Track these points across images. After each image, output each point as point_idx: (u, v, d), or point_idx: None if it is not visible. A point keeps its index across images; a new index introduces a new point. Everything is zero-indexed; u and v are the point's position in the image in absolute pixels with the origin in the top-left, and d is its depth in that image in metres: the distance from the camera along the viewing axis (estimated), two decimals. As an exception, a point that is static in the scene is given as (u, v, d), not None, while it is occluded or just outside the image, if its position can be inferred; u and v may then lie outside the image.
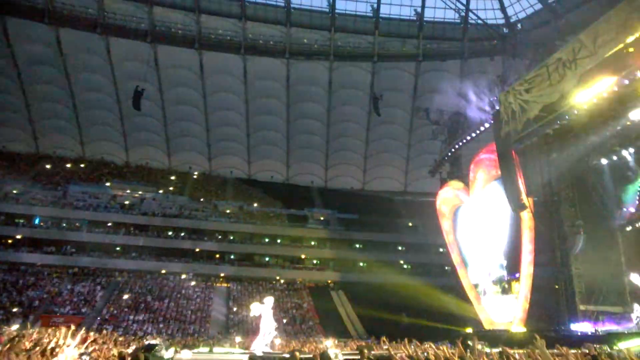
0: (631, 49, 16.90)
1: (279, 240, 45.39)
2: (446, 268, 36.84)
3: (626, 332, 18.80)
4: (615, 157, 22.66)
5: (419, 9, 39.29)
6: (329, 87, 43.51)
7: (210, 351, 19.60)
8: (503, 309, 25.43)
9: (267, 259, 44.63)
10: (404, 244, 46.96)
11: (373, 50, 40.69)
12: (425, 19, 39.64)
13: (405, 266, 45.85)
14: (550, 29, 32.86)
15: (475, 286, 28.03)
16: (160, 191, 45.77)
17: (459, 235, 29.78)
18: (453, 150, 31.19)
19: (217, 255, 43.22)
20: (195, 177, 48.98)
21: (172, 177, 47.94)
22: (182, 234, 43.09)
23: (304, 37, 41.40)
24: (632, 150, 21.97)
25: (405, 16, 39.97)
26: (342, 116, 45.83)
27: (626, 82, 17.81)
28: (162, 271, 39.88)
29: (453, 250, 30.02)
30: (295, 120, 46.35)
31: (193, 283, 39.58)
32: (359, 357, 11.23)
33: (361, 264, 45.57)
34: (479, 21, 38.87)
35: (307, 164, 48.82)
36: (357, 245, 46.10)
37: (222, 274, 41.47)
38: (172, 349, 15.58)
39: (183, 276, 40.14)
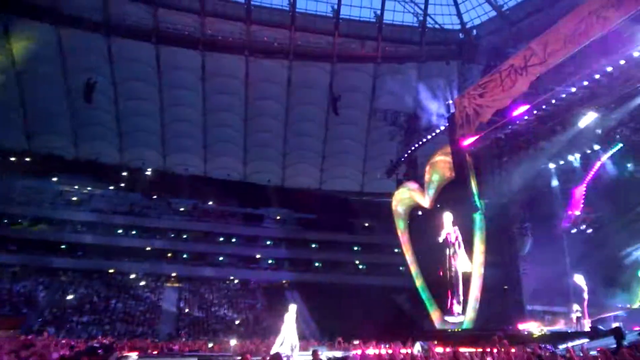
0: (578, 58, 17.54)
1: (233, 240, 44.69)
2: (400, 268, 37.22)
3: (569, 331, 19.45)
4: (562, 162, 23.53)
5: (379, 12, 39.58)
6: (288, 86, 43.18)
7: None
8: (454, 309, 25.87)
9: (220, 258, 43.82)
10: (360, 244, 47.27)
11: (333, 50, 40.67)
12: (384, 21, 39.99)
13: (360, 266, 46.13)
14: (504, 36, 33.86)
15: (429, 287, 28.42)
16: (111, 187, 44.09)
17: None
18: (409, 151, 31.54)
19: (169, 255, 42.06)
20: (148, 173, 47.46)
21: (124, 174, 46.26)
22: (133, 232, 41.67)
23: (263, 35, 40.92)
24: (578, 155, 22.88)
25: (365, 18, 40.21)
26: (301, 115, 45.60)
27: (573, 89, 18.48)
28: (109, 270, 38.39)
29: (407, 251, 30.36)
30: (253, 118, 45.72)
31: (143, 283, 38.34)
32: (312, 357, 11.06)
33: (317, 264, 45.53)
34: (437, 26, 39.60)
35: (265, 162, 48.25)
36: (313, 245, 46.04)
37: (173, 274, 40.39)
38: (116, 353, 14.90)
39: (132, 276, 38.79)
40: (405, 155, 32.23)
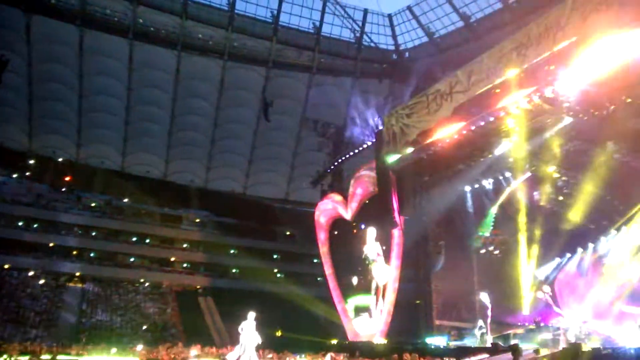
0: (498, 90, 18.68)
1: (147, 240, 42.65)
2: (318, 279, 37.41)
3: (473, 346, 20.41)
4: (477, 185, 24.89)
5: (318, 23, 39.98)
6: (221, 87, 42.20)
7: None
8: (368, 322, 26.37)
9: (132, 259, 41.63)
10: (280, 252, 46.93)
11: (269, 56, 40.41)
12: (322, 33, 40.42)
13: (279, 275, 45.80)
14: (434, 61, 35.39)
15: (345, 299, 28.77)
16: (15, 175, 40.51)
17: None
18: (336, 163, 31.96)
19: (75, 252, 39.28)
20: (59, 163, 44.13)
21: (32, 162, 42.69)
22: (35, 226, 38.52)
23: (199, 32, 39.83)
24: (491, 180, 24.30)
25: (304, 28, 40.42)
26: (231, 117, 44.69)
27: (491, 119, 19.63)
28: (5, 266, 35.15)
29: (326, 262, 30.60)
30: (180, 115, 44.14)
31: (42, 281, 35.42)
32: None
33: (234, 271, 44.61)
34: (372, 44, 40.68)
35: (188, 162, 46.67)
36: (232, 251, 45.06)
37: (77, 273, 37.73)
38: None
39: (30, 273, 35.73)
40: (332, 166, 32.64)
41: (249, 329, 17.14)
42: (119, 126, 43.64)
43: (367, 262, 26.72)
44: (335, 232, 31.07)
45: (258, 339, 17.19)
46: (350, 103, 35.77)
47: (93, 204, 42.36)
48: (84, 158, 44.52)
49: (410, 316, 25.47)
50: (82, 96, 41.25)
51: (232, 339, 32.21)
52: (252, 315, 17.53)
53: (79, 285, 37.16)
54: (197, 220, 45.93)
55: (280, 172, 48.52)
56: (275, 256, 46.76)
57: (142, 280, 40.10)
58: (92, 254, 40.03)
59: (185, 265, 43.54)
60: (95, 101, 42.08)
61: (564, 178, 22.31)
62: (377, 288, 26.49)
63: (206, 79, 42.12)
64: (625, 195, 21.28)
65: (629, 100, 16.38)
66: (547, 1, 24.45)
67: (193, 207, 46.14)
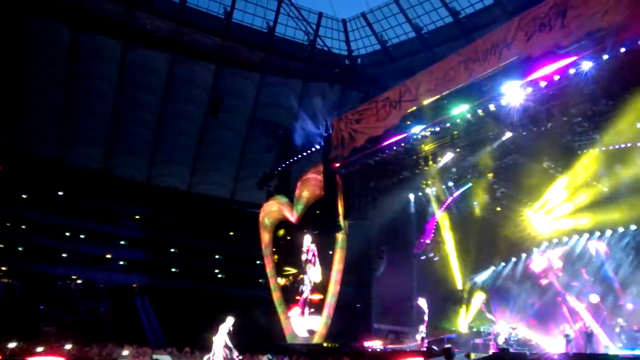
0: (445, 101, 19.28)
1: (82, 236, 40.70)
2: (260, 280, 37.05)
3: (407, 349, 20.85)
4: (420, 193, 25.54)
5: (272, 23, 39.71)
6: (168, 81, 40.95)
7: None
8: (307, 325, 26.40)
9: (64, 255, 39.57)
10: (223, 252, 46.17)
11: (220, 52, 39.64)
12: (276, 34, 40.18)
13: (220, 275, 45.01)
14: (385, 69, 36.11)
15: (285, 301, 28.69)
16: None
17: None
18: (283, 165, 31.79)
19: (1, 246, 36.90)
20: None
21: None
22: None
23: (147, 22, 38.44)
24: (434, 189, 25.01)
25: (257, 26, 40.01)
26: (178, 113, 43.42)
27: (437, 129, 20.21)
28: None
29: (269, 264, 30.41)
30: (124, 108, 42.38)
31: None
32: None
33: (174, 270, 43.41)
34: (325, 48, 40.88)
35: (131, 157, 44.87)
36: (172, 250, 43.84)
37: (3, 268, 35.44)
38: None
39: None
40: (279, 168, 32.43)
41: (222, 334, 17.12)
42: (57, 114, 41.38)
43: (305, 264, 26.91)
44: (279, 234, 30.92)
45: (228, 344, 17.13)
46: (300, 105, 35.73)
47: (24, 196, 39.95)
48: (18, 146, 41.89)
49: (350, 319, 25.66)
50: (19, 83, 38.83)
51: (168, 340, 31.37)
52: (230, 320, 17.51)
53: (5, 280, 34.93)
54: (137, 217, 44.35)
55: (227, 172, 47.69)
56: (217, 256, 45.94)
57: (74, 277, 38.20)
58: (19, 248, 37.73)
59: (121, 263, 41.89)
60: (35, 91, 39.71)
61: (502, 190, 23.25)
62: (308, 288, 26.75)
63: (153, 72, 40.71)
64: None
65: (564, 118, 17.35)
66: (495, 19, 25.61)
67: (133, 204, 44.47)
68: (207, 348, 22.29)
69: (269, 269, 30.27)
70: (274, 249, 30.73)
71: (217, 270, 45.19)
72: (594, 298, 20.61)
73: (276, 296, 29.20)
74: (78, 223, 40.69)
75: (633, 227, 20.52)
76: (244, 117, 43.53)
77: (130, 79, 40.55)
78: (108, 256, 41.40)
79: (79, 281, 38.09)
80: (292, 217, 28.80)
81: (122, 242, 42.63)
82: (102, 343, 25.16)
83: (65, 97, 40.49)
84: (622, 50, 13.84)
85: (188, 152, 46.02)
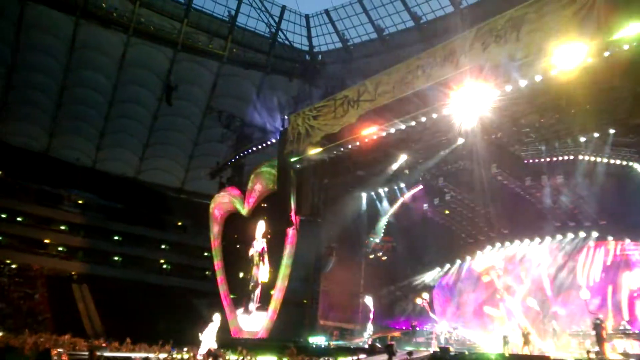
0: (402, 103, 19.53)
1: (19, 218, 38.57)
2: (207, 273, 36.46)
3: (351, 347, 21.09)
4: (373, 193, 25.86)
5: (233, 12, 39.03)
6: (121, 62, 39.40)
7: None
8: (253, 320, 26.25)
9: (-1, 238, 37.43)
10: (170, 242, 45.06)
11: (178, 37, 38.51)
12: (237, 23, 39.53)
13: (165, 266, 43.92)
14: (345, 68, 36.29)
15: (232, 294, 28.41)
16: None
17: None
18: (237, 157, 31.38)
19: None
20: None
21: None
22: None
23: (102, 1, 36.83)
24: (386, 189, 25.38)
25: (218, 14, 39.23)
26: (129, 96, 41.89)
27: (392, 130, 20.49)
28: None
29: (217, 256, 29.98)
30: (72, 87, 40.49)
31: None
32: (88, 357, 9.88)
33: (116, 258, 41.93)
34: (286, 42, 40.59)
35: (77, 138, 42.95)
36: (116, 237, 42.32)
37: None
38: None
39: None
40: (233, 160, 31.98)
41: (210, 331, 17.74)
42: (-2, 89, 38.95)
43: (254, 258, 26.79)
44: (229, 227, 30.52)
45: (213, 343, 17.67)
46: (258, 98, 35.32)
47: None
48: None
49: (296, 315, 25.70)
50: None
51: (108, 330, 30.27)
52: (217, 317, 18.38)
53: None
54: (80, 201, 42.50)
55: (178, 160, 46.54)
56: (163, 246, 44.78)
57: (8, 261, 36.15)
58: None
59: (60, 248, 40.03)
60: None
61: (452, 193, 23.92)
62: (255, 285, 26.67)
63: (106, 52, 39.07)
64: (505, 215, 23.38)
65: (514, 128, 18.02)
66: (455, 26, 26.25)
67: (77, 187, 42.56)
68: (149, 340, 21.77)
69: (217, 262, 29.81)
70: (223, 242, 30.28)
71: (162, 261, 44.01)
72: (531, 302, 21.60)
73: (223, 290, 28.82)
74: (16, 204, 38.46)
75: (571, 236, 21.66)
76: (199, 106, 42.58)
77: (81, 57, 38.72)
78: (46, 241, 39.41)
79: (13, 266, 36.03)
80: (244, 210, 28.48)
81: (62, 227, 40.70)
82: (35, 332, 23.94)
83: (7, 71, 38.22)
84: (570, 68, 14.54)
85: (138, 138, 44.53)
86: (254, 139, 30.41)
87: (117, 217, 42.49)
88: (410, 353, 15.69)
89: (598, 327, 14.46)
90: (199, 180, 43.04)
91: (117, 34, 37.98)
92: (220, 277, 29.38)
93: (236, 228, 29.87)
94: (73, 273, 38.78)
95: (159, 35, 38.38)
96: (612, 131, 18.05)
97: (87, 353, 15.04)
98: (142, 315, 31.45)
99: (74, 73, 39.47)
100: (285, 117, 25.55)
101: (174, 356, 17.75)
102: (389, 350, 16.13)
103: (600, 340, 14.34)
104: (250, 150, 30.32)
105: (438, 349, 17.16)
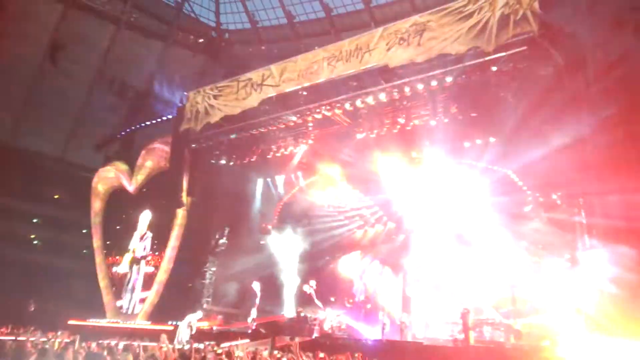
0: (305, 93, 19.76)
1: None
2: (84, 251, 33.90)
3: (236, 331, 20.95)
4: (269, 179, 25.80)
5: (136, -26, 36.35)
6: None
7: None
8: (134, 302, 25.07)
9: None
10: (43, 216, 41.09)
11: (70, -7, 34.94)
12: (139, -14, 36.85)
13: (36, 242, 40.12)
14: (252, 50, 35.57)
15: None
16: None
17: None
18: (128, 130, 29.53)
19: None
20: None
21: None
22: None
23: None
24: (283, 176, 25.46)
25: (119, -25, 36.23)
26: (9, 51, 37.24)
27: (293, 118, 20.65)
28: None
29: (96, 233, 28.13)
30: None
31: None
32: None
33: (-23, 232, 37.41)
34: (192, 14, 38.74)
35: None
36: (-22, 208, 37.70)
37: None
38: None
39: None
40: (123, 132, 30.04)
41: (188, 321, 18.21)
42: None
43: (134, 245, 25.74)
44: (112, 204, 28.73)
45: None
46: (157, 69, 33.45)
47: None
48: None
49: (181, 298, 24.93)
50: None
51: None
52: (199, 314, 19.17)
53: None
54: None
55: (61, 127, 42.29)
56: (35, 220, 40.74)
57: None
58: None
59: None
60: None
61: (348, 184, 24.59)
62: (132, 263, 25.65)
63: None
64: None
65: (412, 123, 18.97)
66: (363, 24, 26.97)
67: None
68: (19, 323, 19.77)
69: (96, 240, 27.96)
70: (103, 220, 28.41)
71: (33, 236, 40.07)
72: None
73: (100, 269, 27.12)
74: None
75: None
76: (89, 70, 38.90)
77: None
78: None
79: None
80: (130, 186, 26.94)
81: None
82: None
83: None
84: (463, 77, 15.73)
85: (15, 98, 39.78)
86: (149, 113, 28.76)
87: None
88: (292, 338, 15.94)
89: (465, 316, 15.82)
90: (82, 151, 39.57)
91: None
92: (98, 257, 27.66)
93: (120, 206, 28.19)
94: None
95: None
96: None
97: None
98: (9, 296, 28.51)
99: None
100: (184, 93, 24.48)
101: (41, 340, 16.23)
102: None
103: (466, 328, 15.71)
104: (143, 125, 28.65)
105: (319, 335, 17.69)
